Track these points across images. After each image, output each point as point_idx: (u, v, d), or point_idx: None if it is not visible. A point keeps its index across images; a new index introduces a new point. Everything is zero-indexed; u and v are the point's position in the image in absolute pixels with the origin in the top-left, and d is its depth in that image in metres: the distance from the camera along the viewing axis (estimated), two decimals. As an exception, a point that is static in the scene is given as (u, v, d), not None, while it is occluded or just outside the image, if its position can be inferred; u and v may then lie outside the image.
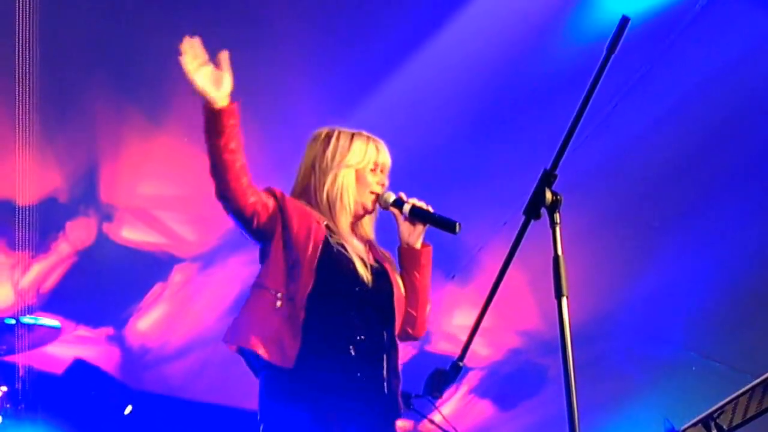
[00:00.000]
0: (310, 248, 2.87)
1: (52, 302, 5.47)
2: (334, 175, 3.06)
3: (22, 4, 4.32)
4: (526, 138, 5.26)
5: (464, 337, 2.77)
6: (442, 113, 5.31)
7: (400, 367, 2.98)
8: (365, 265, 2.95)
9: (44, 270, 5.46)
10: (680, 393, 6.62)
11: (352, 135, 3.12)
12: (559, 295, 2.32)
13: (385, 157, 3.15)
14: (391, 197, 3.09)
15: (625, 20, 2.28)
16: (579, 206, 5.19)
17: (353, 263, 2.93)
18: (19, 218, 4.89)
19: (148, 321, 5.94)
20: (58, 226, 5.35)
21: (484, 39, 4.98)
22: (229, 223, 5.82)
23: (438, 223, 3.02)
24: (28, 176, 4.79)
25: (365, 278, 2.92)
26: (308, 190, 3.09)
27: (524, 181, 2.56)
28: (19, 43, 4.37)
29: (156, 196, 5.49)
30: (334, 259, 2.90)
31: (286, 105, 5.11)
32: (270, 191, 3.01)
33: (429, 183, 5.50)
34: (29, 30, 4.37)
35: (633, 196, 5.89)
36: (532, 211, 2.38)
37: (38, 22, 4.35)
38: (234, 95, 5.10)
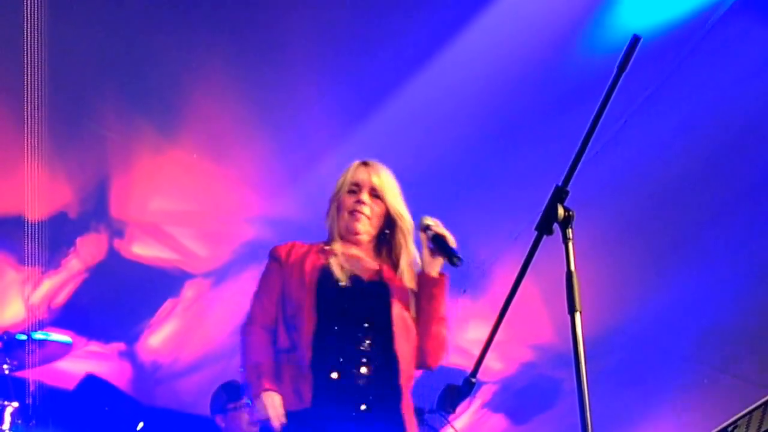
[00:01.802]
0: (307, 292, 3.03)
1: (63, 318, 5.48)
2: (327, 214, 3.25)
3: (31, 19, 4.33)
4: (538, 151, 5.25)
5: (477, 352, 2.79)
6: (452, 128, 5.30)
7: (403, 382, 3.01)
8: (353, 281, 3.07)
9: (55, 286, 5.47)
10: (693, 407, 6.58)
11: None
12: (572, 310, 2.32)
13: (363, 175, 3.22)
14: (427, 221, 3.12)
15: (635, 39, 2.28)
16: (590, 221, 5.17)
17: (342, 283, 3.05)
18: (29, 234, 4.88)
19: (159, 337, 5.94)
20: (69, 241, 5.36)
21: (494, 53, 4.98)
22: (241, 238, 5.87)
23: (444, 251, 3.05)
24: (39, 192, 4.79)
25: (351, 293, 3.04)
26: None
27: (536, 195, 2.56)
28: (27, 58, 4.39)
29: (167, 211, 5.49)
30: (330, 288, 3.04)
31: (297, 115, 5.11)
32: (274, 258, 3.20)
33: (441, 196, 5.52)
34: (38, 45, 4.38)
35: (643, 211, 5.87)
36: (544, 227, 2.39)
37: (47, 36, 4.36)
38: (246, 106, 5.13)
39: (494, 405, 6.94)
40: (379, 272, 3.13)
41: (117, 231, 5.42)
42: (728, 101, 5.37)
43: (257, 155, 5.31)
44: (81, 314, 5.57)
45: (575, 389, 2.28)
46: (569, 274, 2.32)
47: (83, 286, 5.50)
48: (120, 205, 5.31)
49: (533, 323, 6.19)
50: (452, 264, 3.02)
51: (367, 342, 2.99)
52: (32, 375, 4.88)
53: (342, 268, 3.06)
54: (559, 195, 2.35)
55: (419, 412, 5.25)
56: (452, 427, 5.56)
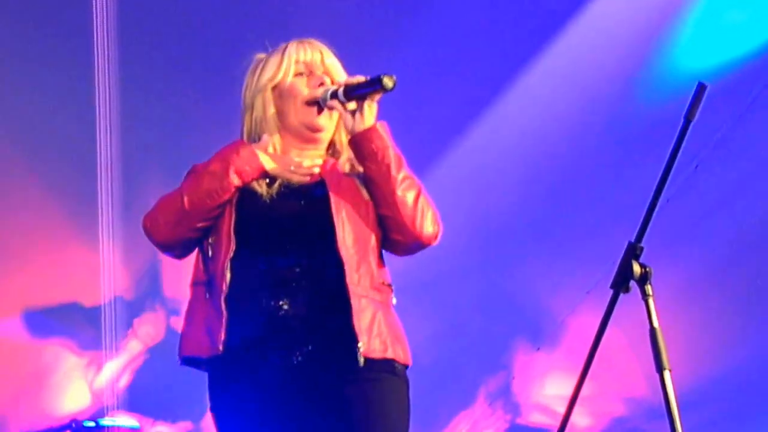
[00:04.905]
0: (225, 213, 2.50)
1: (128, 401, 5.45)
2: (249, 112, 2.56)
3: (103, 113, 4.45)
4: (608, 201, 5.20)
5: (557, 407, 2.67)
6: (521, 178, 5.28)
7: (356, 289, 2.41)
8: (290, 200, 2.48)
9: (118, 369, 5.45)
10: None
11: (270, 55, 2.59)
12: (660, 368, 2.21)
13: (315, 55, 2.53)
14: (329, 90, 2.46)
15: (701, 87, 2.21)
16: (668, 271, 5.12)
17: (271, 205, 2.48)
18: (88, 319, 4.96)
19: (224, 411, 5.91)
20: (127, 323, 5.37)
21: (559, 99, 4.99)
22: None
23: (365, 87, 2.42)
24: (96, 278, 4.85)
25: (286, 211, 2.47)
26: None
27: (608, 245, 2.53)
28: (101, 158, 4.44)
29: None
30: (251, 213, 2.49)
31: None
32: None
33: (510, 251, 5.43)
34: (109, 140, 4.43)
35: (724, 258, 5.66)
36: (620, 285, 2.27)
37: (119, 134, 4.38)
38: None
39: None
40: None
41: (172, 310, 5.39)
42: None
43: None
44: (145, 396, 5.52)
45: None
46: (653, 331, 2.21)
47: (144, 366, 5.49)
48: (172, 283, 5.32)
49: (623, 375, 6.04)
50: (385, 86, 2.38)
51: (302, 263, 2.44)
52: (105, 463, 4.86)
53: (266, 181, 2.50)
54: (633, 251, 2.23)
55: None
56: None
